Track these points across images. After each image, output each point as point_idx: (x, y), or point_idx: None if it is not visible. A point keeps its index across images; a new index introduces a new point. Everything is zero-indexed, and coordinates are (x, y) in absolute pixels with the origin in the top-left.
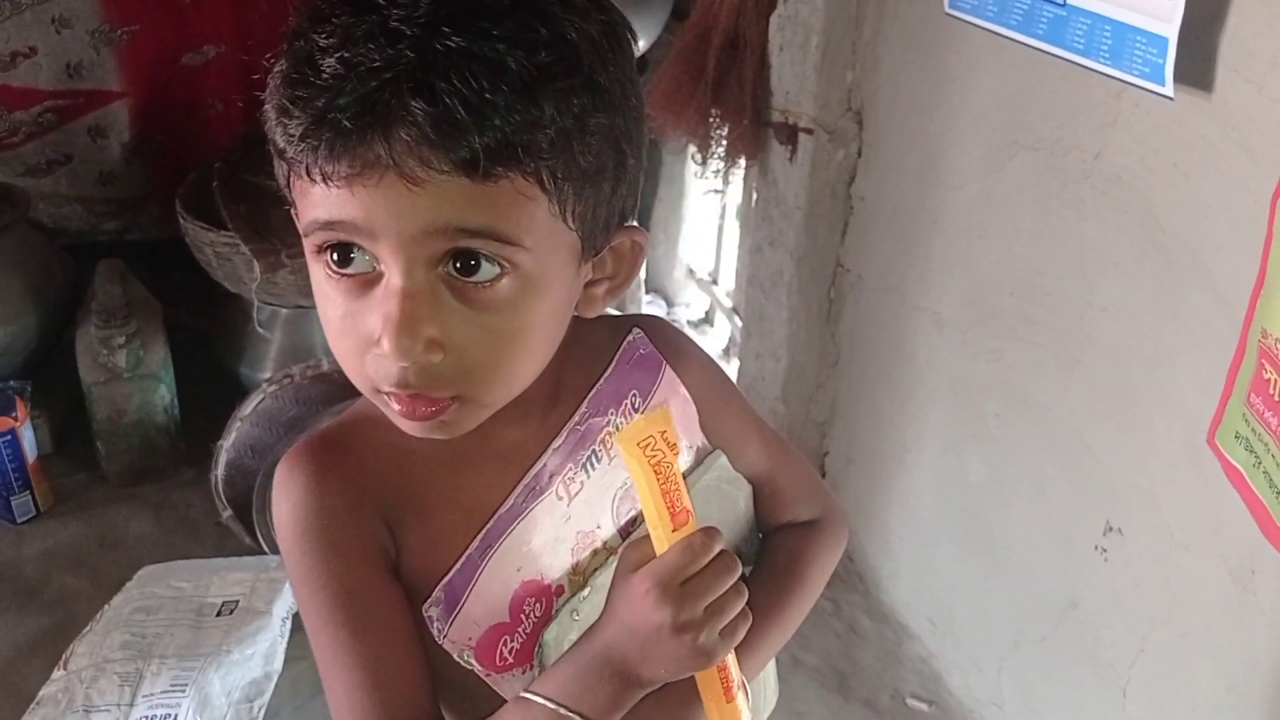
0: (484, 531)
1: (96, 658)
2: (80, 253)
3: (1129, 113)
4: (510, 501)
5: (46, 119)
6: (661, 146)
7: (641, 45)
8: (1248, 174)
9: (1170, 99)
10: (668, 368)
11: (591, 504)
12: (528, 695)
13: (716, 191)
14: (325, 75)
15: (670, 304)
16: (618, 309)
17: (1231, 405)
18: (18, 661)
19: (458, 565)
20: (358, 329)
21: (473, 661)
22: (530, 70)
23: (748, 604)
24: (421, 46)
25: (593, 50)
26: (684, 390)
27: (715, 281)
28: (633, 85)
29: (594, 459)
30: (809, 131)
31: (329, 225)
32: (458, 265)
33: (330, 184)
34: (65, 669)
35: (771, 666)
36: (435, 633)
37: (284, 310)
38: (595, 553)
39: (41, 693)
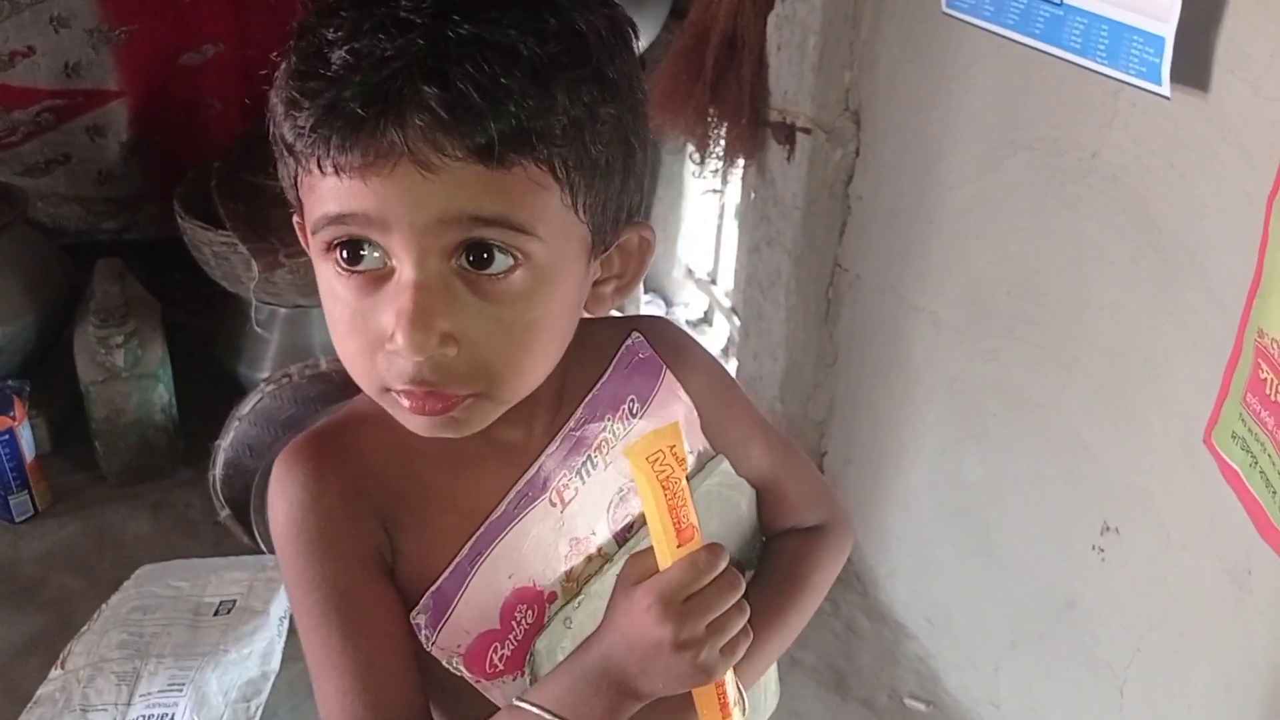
0: (475, 537)
1: (94, 657)
2: (78, 252)
3: (1126, 112)
4: (502, 507)
5: (45, 118)
6: (660, 146)
7: (640, 45)
8: (1244, 174)
9: (1167, 99)
10: (667, 372)
11: (586, 510)
12: (520, 704)
13: (715, 191)
14: (335, 66)
15: (669, 304)
16: (618, 309)
17: (1228, 405)
18: (15, 661)
19: (447, 572)
20: (368, 327)
21: (461, 668)
22: (541, 58)
23: (749, 608)
24: (432, 35)
25: (600, 43)
26: (684, 394)
27: (714, 281)
28: (638, 80)
29: (589, 465)
30: (807, 131)
31: (339, 219)
32: (470, 258)
33: (342, 175)
34: (63, 668)
35: (773, 669)
36: (423, 640)
37: (282, 310)
38: (590, 559)
39: (39, 692)
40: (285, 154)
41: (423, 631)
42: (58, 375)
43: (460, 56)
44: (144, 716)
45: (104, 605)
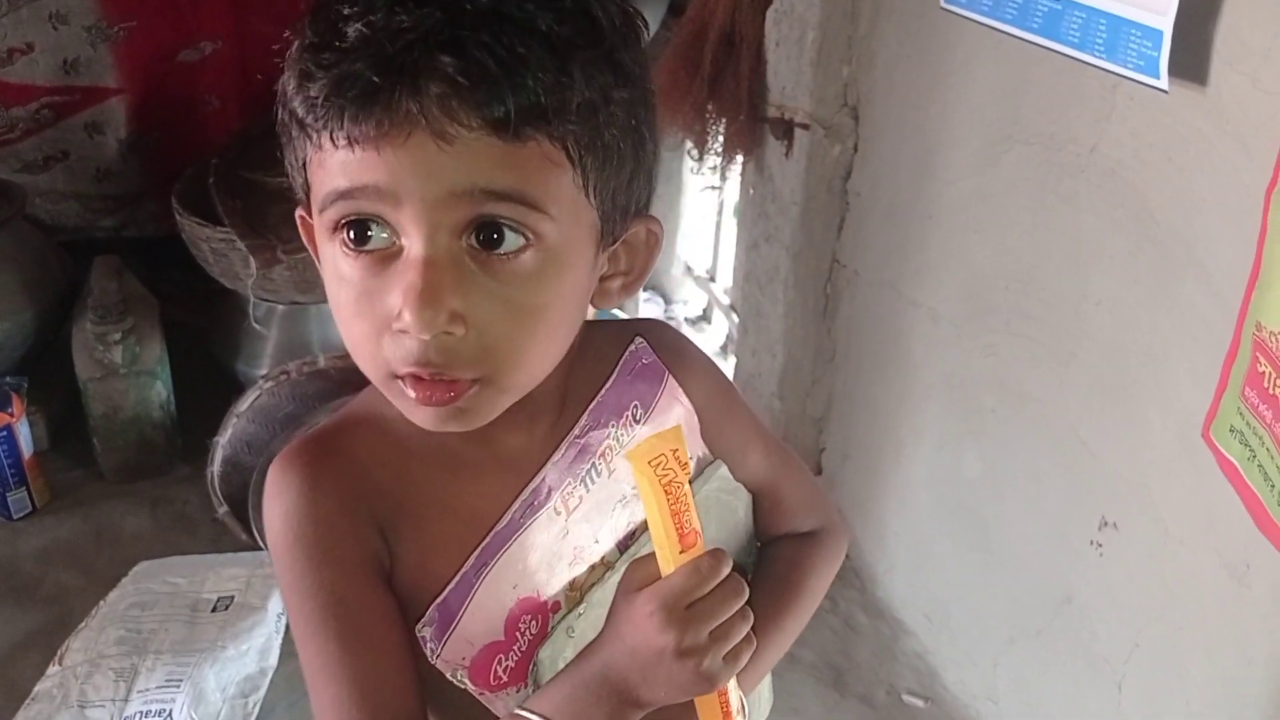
0: (480, 549)
1: (92, 653)
2: (77, 249)
3: (1124, 106)
4: (508, 517)
5: (43, 115)
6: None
7: None
8: (1242, 167)
9: (1165, 92)
10: (670, 377)
11: (590, 519)
12: (521, 713)
13: (713, 188)
14: (350, 39)
15: (668, 301)
16: (620, 307)
17: (1226, 399)
18: (13, 657)
19: (452, 584)
20: (375, 309)
21: (466, 681)
22: (559, 34)
23: (752, 615)
24: (450, 8)
25: (614, 29)
26: (686, 400)
27: (713, 278)
28: (649, 74)
29: (594, 472)
30: (805, 127)
31: (349, 194)
32: (480, 237)
33: (355, 147)
34: (60, 664)
35: (767, 681)
36: (428, 653)
37: (280, 306)
38: (592, 568)
39: (37, 688)
40: (295, 131)
41: (428, 644)
42: (56, 372)
43: (478, 27)
44: (142, 713)
45: (102, 602)
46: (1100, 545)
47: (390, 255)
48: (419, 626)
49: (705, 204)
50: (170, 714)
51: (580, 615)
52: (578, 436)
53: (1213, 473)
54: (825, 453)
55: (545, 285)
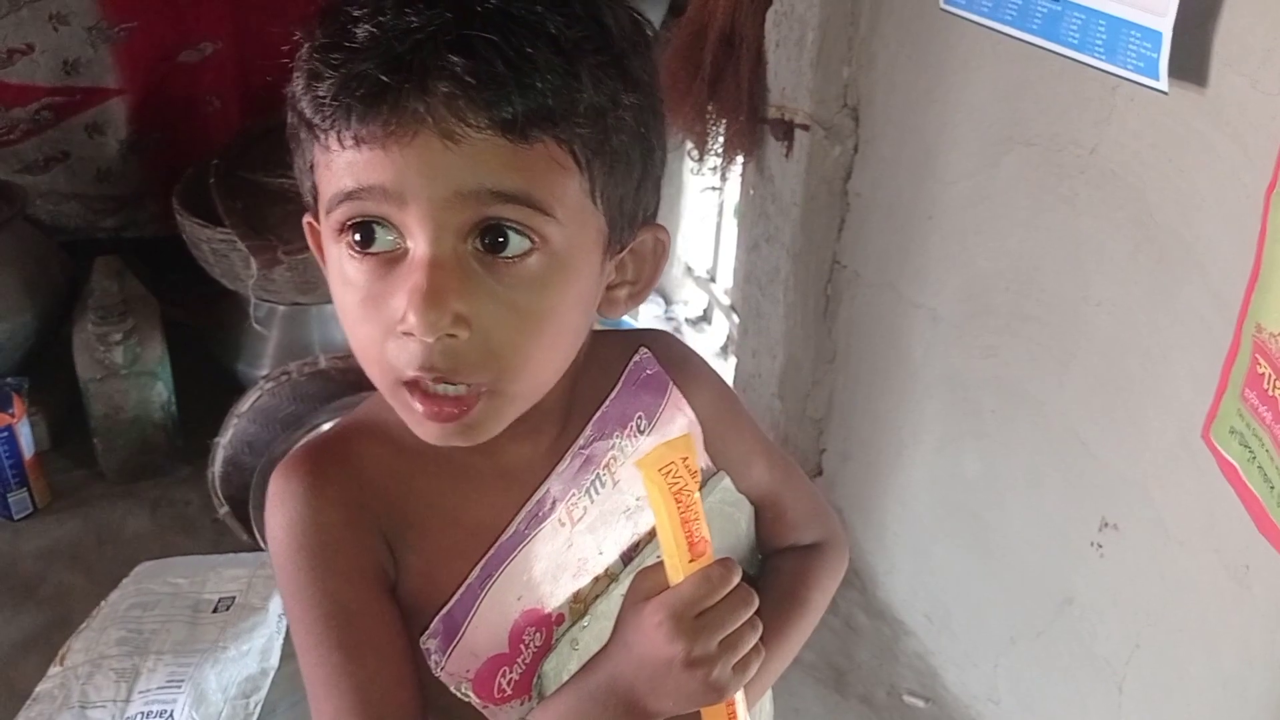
0: (485, 560)
1: (93, 654)
2: (77, 250)
3: (1123, 107)
4: (513, 528)
5: (44, 116)
6: None
7: None
8: (1241, 168)
9: (1165, 93)
10: (674, 388)
11: (594, 530)
12: None
13: (713, 189)
14: (360, 39)
15: (668, 302)
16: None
17: (1226, 400)
18: (14, 658)
19: (457, 595)
20: (380, 312)
21: (470, 694)
22: (568, 37)
23: (761, 625)
24: (459, 8)
25: (623, 36)
26: (689, 411)
27: (713, 279)
28: (658, 82)
29: (598, 483)
30: (805, 128)
31: (355, 195)
32: (486, 240)
33: (362, 146)
34: (61, 665)
35: (767, 692)
36: (432, 665)
37: (281, 307)
38: (596, 580)
39: (38, 689)
40: (303, 132)
41: (432, 656)
42: (57, 373)
43: (487, 28)
44: (143, 713)
45: (103, 602)
46: (1100, 546)
47: (396, 258)
48: (423, 638)
49: (705, 205)
50: (171, 714)
51: (584, 627)
52: (582, 447)
53: (1213, 474)
54: (825, 454)
55: (550, 290)
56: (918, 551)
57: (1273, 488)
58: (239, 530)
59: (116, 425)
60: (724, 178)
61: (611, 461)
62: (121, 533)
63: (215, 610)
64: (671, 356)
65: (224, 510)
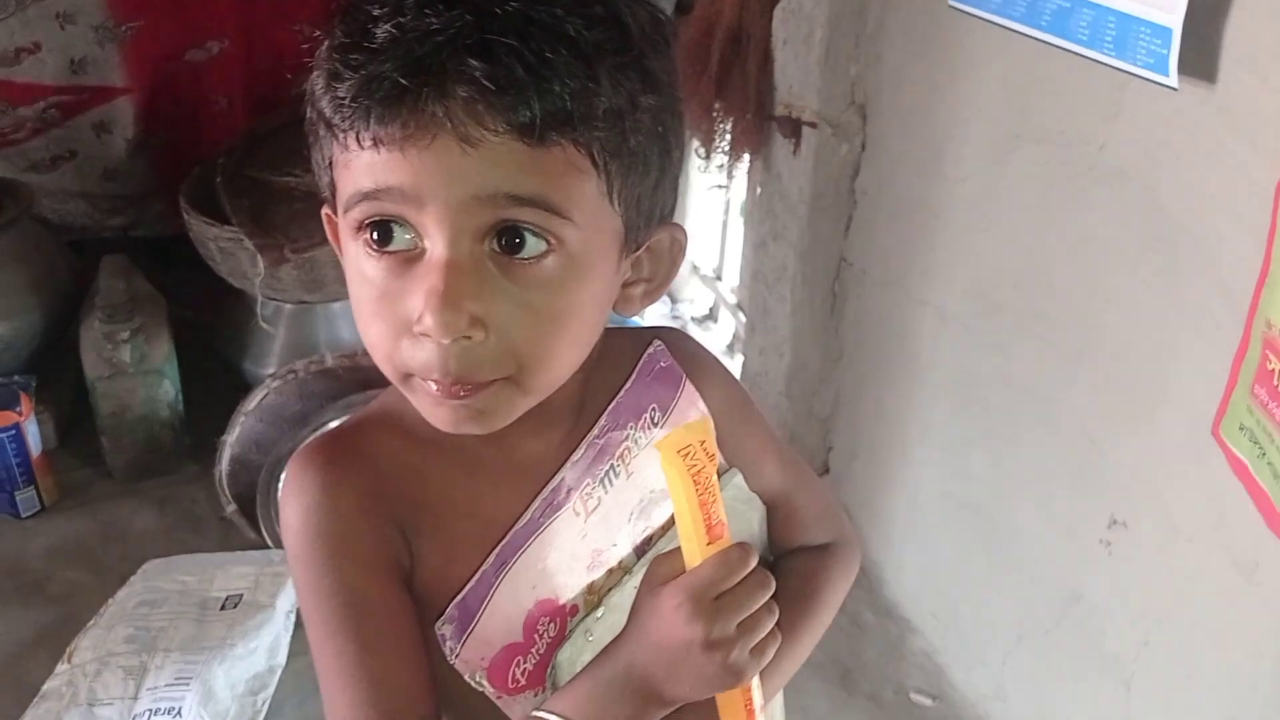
0: (500, 547)
1: (101, 651)
2: (84, 248)
3: (1133, 104)
4: (527, 516)
5: (51, 115)
6: None
7: None
8: (1251, 165)
9: (1174, 90)
10: (687, 382)
11: (608, 521)
12: (540, 714)
13: (720, 187)
14: (379, 40)
15: (675, 301)
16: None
17: (1236, 397)
18: (22, 655)
19: (472, 582)
20: (395, 311)
21: (484, 683)
22: (588, 40)
23: (778, 610)
24: (479, 11)
25: (644, 36)
26: (703, 405)
27: (719, 278)
28: (678, 82)
29: (612, 474)
30: (813, 125)
31: (373, 195)
32: (503, 241)
33: (380, 148)
34: (69, 663)
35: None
36: (447, 651)
37: (287, 305)
38: (610, 572)
39: (46, 686)
40: (322, 131)
41: (447, 643)
42: (64, 371)
43: (506, 31)
44: (151, 710)
45: (111, 600)
46: (1109, 543)
47: (413, 257)
48: (439, 624)
49: (712, 203)
50: (179, 712)
51: (598, 619)
52: (596, 437)
53: (1222, 471)
54: (833, 452)
55: (567, 291)
56: (925, 549)
57: None
58: (246, 528)
59: (123, 423)
60: (731, 176)
61: (625, 453)
62: (129, 531)
63: (223, 608)
64: (685, 352)
65: (231, 508)
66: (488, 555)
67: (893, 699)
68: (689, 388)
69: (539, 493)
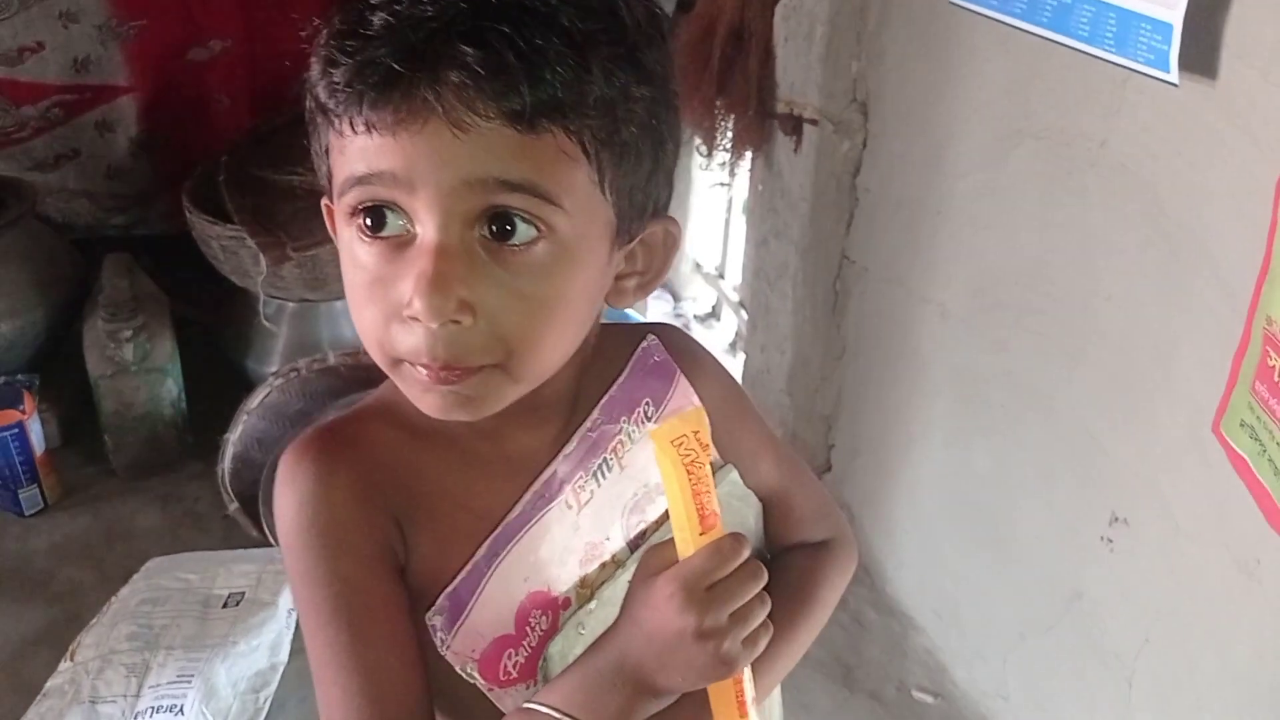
0: (492, 538)
1: (103, 649)
2: (88, 247)
3: (1134, 100)
4: (519, 508)
5: (54, 114)
6: None
7: None
8: (1252, 161)
9: (1175, 86)
10: (681, 376)
11: (601, 515)
12: (531, 705)
13: (722, 184)
14: (375, 27)
15: (676, 299)
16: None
17: (1236, 393)
18: (25, 653)
19: (464, 572)
20: (386, 295)
21: (475, 675)
22: (581, 30)
23: (770, 600)
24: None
25: (638, 28)
26: (697, 400)
27: (721, 275)
28: (673, 75)
29: (605, 467)
30: (814, 122)
31: (365, 179)
32: (493, 228)
33: (373, 132)
34: (72, 660)
35: (776, 690)
36: (438, 643)
37: (290, 304)
38: (603, 565)
39: (48, 684)
40: (319, 117)
41: (438, 634)
42: (67, 370)
43: (499, 19)
44: (153, 708)
45: (113, 598)
46: (1110, 541)
47: (404, 242)
48: (429, 615)
49: (714, 200)
50: (182, 709)
51: (591, 612)
52: (589, 430)
53: (1223, 467)
54: (834, 449)
55: (556, 278)
56: (927, 547)
57: None
58: (249, 526)
59: (127, 422)
60: (732, 173)
61: (619, 447)
62: (132, 529)
63: (225, 606)
64: (679, 347)
65: (234, 506)
66: (479, 546)
67: (894, 696)
68: (683, 382)
69: (531, 485)
